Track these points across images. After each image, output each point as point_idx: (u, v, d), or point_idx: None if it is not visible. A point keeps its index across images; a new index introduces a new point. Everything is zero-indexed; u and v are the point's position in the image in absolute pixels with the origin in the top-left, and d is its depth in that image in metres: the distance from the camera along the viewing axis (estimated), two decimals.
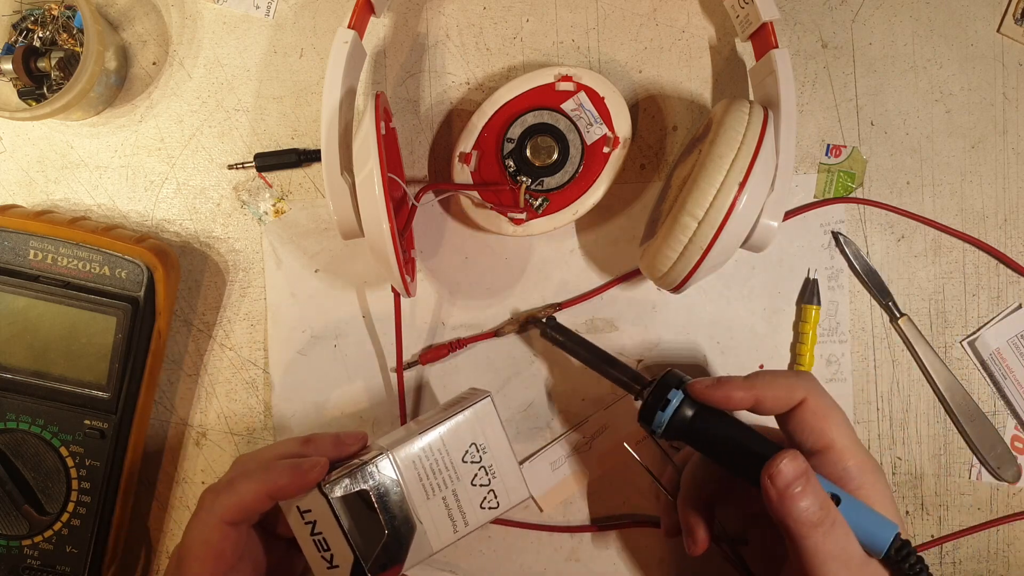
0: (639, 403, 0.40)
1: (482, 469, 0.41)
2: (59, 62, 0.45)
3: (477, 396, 0.41)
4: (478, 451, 0.41)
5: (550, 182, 0.44)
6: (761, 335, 0.49)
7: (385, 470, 0.38)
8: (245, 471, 0.37)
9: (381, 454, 0.38)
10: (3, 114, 0.43)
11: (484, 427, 0.41)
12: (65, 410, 0.43)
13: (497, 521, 0.48)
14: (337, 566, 0.37)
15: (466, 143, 0.45)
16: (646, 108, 0.48)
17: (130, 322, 0.43)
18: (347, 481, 0.37)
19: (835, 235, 0.49)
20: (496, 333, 0.48)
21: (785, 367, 0.49)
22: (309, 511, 0.37)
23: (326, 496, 0.37)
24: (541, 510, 0.49)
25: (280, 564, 0.40)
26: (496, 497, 0.41)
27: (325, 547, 0.37)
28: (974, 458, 0.49)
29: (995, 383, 0.49)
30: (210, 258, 0.48)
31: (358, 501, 0.38)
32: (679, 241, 0.38)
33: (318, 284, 0.48)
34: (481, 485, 0.41)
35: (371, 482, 0.38)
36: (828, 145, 0.49)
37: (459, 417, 0.40)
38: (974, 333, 0.49)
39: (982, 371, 0.49)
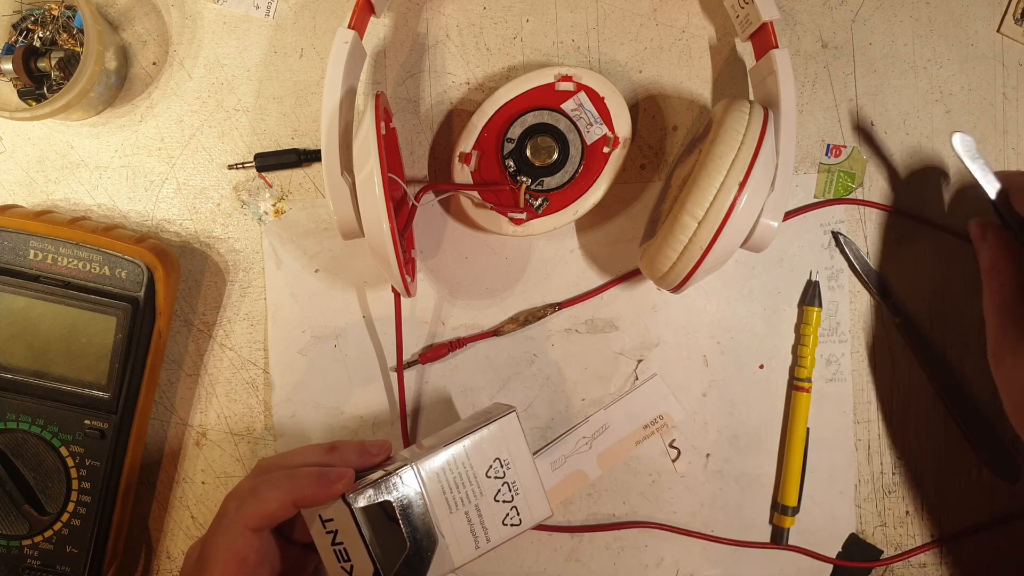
0: None
1: (505, 485, 0.40)
2: (59, 62, 0.45)
3: (502, 411, 0.41)
4: (502, 466, 0.40)
5: (550, 182, 0.44)
6: (761, 335, 0.49)
7: (409, 482, 0.38)
8: (269, 478, 0.37)
9: (405, 465, 0.38)
10: (3, 114, 0.43)
11: (508, 442, 0.40)
12: (65, 410, 0.43)
13: None
14: None
15: (466, 143, 0.45)
16: (646, 108, 0.48)
17: (130, 322, 0.43)
18: (371, 492, 0.37)
19: (835, 235, 0.49)
20: (496, 333, 0.48)
21: (786, 368, 0.49)
22: (331, 520, 0.37)
23: (349, 506, 0.36)
24: None
25: (294, 567, 0.40)
26: (519, 514, 0.40)
27: (346, 558, 0.37)
28: (974, 458, 0.49)
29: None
30: (210, 258, 0.48)
31: (381, 513, 0.37)
32: (679, 241, 0.38)
33: (318, 284, 0.48)
34: (504, 501, 0.40)
35: (395, 494, 0.38)
36: (828, 145, 0.49)
37: (484, 431, 0.40)
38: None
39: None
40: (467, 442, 0.39)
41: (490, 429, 0.40)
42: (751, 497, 0.49)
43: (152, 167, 0.48)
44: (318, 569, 0.42)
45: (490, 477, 0.40)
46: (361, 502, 0.37)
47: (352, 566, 0.37)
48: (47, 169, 0.48)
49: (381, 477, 0.38)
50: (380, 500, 0.37)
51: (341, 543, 0.37)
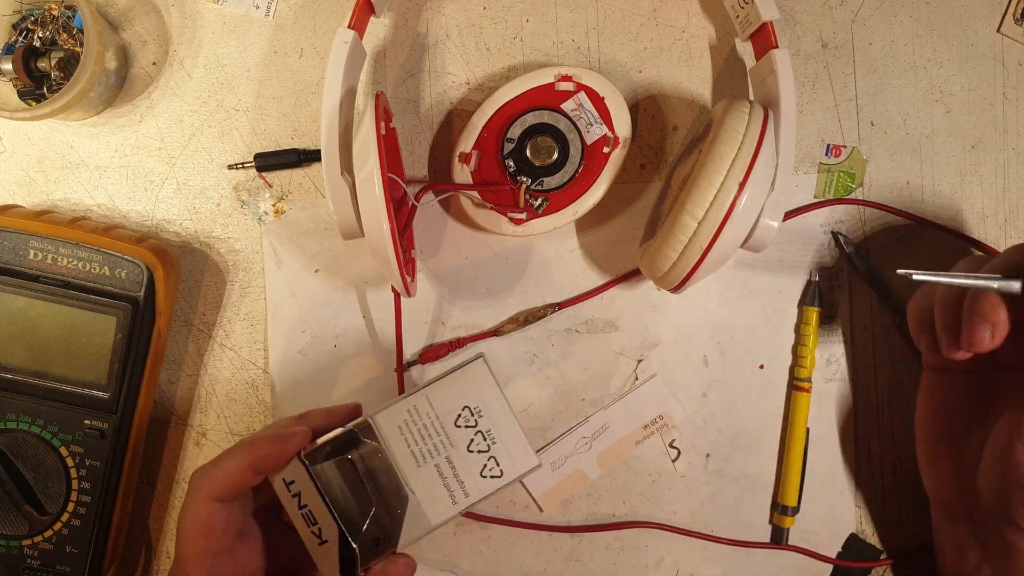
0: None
1: (479, 434, 0.38)
2: (59, 62, 0.45)
3: (471, 359, 0.39)
4: (472, 414, 0.38)
5: (550, 182, 0.44)
6: (761, 335, 0.49)
7: (367, 436, 0.37)
8: (231, 448, 0.37)
9: (363, 419, 0.37)
10: (3, 114, 0.43)
11: (477, 389, 0.38)
12: (65, 410, 0.43)
13: (497, 521, 0.48)
14: (326, 541, 0.36)
15: (466, 143, 0.45)
16: (646, 108, 0.48)
17: (130, 322, 0.43)
18: (328, 448, 0.36)
19: (835, 235, 0.49)
20: (496, 333, 0.48)
21: (786, 368, 0.49)
22: (293, 483, 0.36)
23: (305, 465, 0.36)
24: (541, 510, 0.49)
25: (296, 551, 0.39)
26: (499, 464, 0.38)
27: (313, 520, 0.36)
28: None
29: None
30: (210, 258, 0.48)
31: (344, 470, 0.36)
32: (679, 241, 0.38)
33: (318, 284, 0.48)
34: (479, 451, 0.38)
35: (354, 450, 0.36)
36: (828, 145, 0.49)
37: (446, 379, 0.38)
38: None
39: None
40: (429, 391, 0.38)
41: (454, 376, 0.38)
42: (751, 497, 0.49)
43: (152, 167, 0.48)
44: None
45: (460, 427, 0.38)
46: (318, 459, 0.36)
47: (320, 529, 0.36)
48: (47, 169, 0.48)
49: (339, 434, 0.37)
50: (338, 456, 0.36)
51: (306, 505, 0.36)
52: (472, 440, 0.38)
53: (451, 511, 0.38)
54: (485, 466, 0.38)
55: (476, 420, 0.38)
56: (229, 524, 0.36)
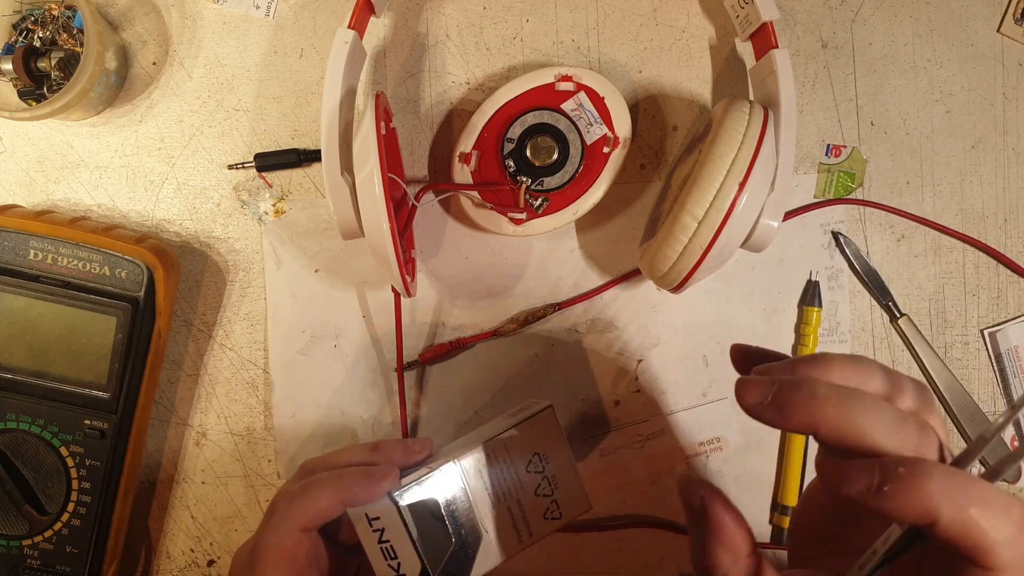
0: None
1: (545, 479, 0.41)
2: (59, 62, 0.45)
3: (538, 406, 0.42)
4: (541, 461, 0.41)
5: (550, 182, 0.44)
6: (761, 335, 0.49)
7: (453, 478, 0.38)
8: (318, 478, 0.38)
9: (449, 462, 0.39)
10: (3, 114, 0.43)
11: (546, 437, 0.41)
12: (65, 410, 0.43)
13: None
14: (404, 575, 0.38)
15: (466, 143, 0.45)
16: (646, 108, 0.48)
17: (130, 322, 0.43)
18: (416, 489, 0.38)
19: (835, 235, 0.49)
20: (496, 333, 0.48)
21: None
22: (378, 519, 0.37)
23: (396, 504, 0.37)
24: None
25: (337, 570, 0.41)
26: (559, 507, 0.41)
27: (392, 555, 0.37)
28: None
29: (1003, 380, 0.49)
30: (210, 258, 0.48)
31: (426, 509, 0.38)
32: (679, 241, 0.38)
33: (318, 284, 0.48)
34: (544, 495, 0.41)
35: (439, 490, 0.38)
36: (828, 145, 0.49)
37: (523, 426, 0.40)
38: (999, 324, 0.49)
39: (993, 363, 0.49)
40: (507, 438, 0.40)
41: (530, 424, 0.40)
42: (751, 497, 0.49)
43: (152, 167, 0.48)
44: (359, 573, 0.42)
45: (530, 472, 0.40)
46: (407, 499, 0.37)
47: (399, 563, 0.37)
48: (47, 169, 0.48)
49: (425, 474, 0.38)
50: (426, 497, 0.38)
51: (388, 541, 0.37)
52: (539, 485, 0.41)
53: (516, 548, 0.40)
54: (548, 508, 0.41)
55: (543, 466, 0.41)
56: (309, 551, 0.37)
